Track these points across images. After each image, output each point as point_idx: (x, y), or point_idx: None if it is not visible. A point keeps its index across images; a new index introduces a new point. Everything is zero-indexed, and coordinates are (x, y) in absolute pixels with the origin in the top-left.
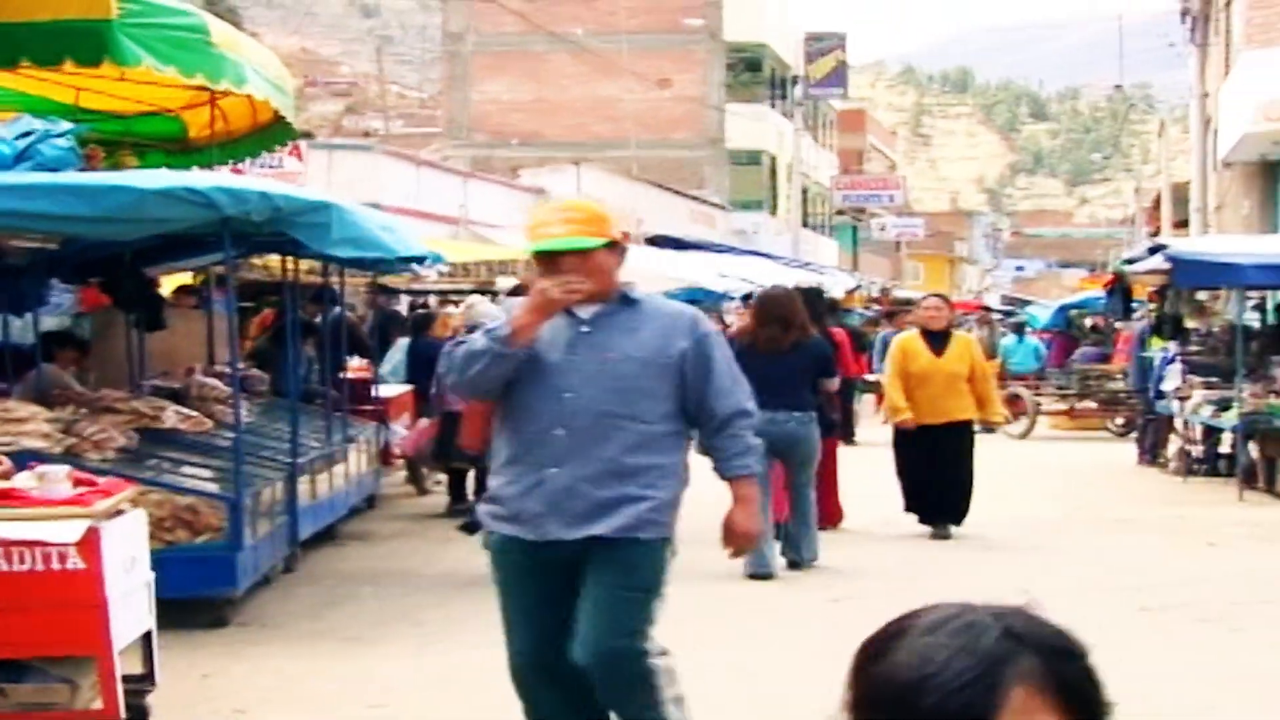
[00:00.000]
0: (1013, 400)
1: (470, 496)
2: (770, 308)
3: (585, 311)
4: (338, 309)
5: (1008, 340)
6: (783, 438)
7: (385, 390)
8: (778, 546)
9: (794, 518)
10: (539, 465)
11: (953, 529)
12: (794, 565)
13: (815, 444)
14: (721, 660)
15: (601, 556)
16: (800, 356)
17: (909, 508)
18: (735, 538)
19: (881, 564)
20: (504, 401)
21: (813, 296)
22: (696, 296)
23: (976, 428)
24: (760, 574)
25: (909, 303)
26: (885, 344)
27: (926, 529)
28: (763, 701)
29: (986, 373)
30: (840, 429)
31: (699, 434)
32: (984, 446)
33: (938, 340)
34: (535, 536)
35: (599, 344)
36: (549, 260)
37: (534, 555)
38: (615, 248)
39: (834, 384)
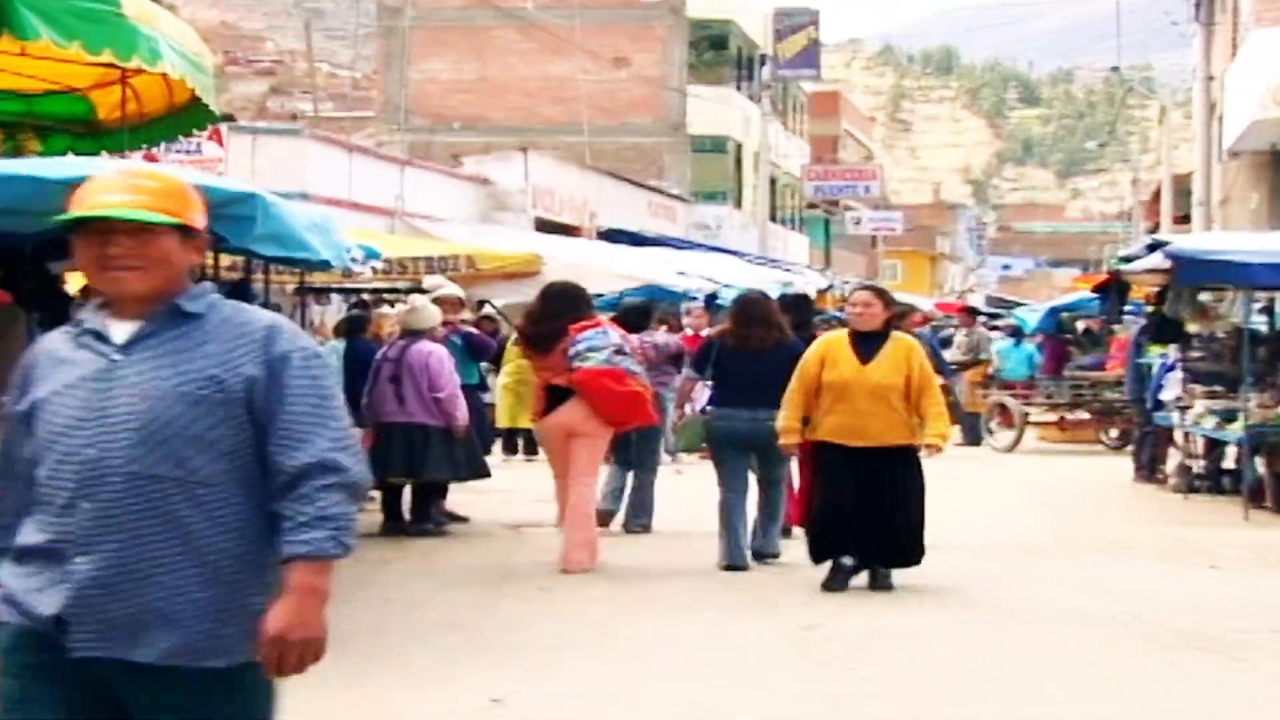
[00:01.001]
0: (999, 410)
1: (407, 515)
2: (752, 310)
3: (120, 331)
4: None
5: (1002, 344)
6: (762, 435)
7: None
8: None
9: (763, 510)
10: (61, 552)
11: (898, 573)
12: (756, 556)
13: None
14: (689, 698)
15: (161, 693)
16: (781, 356)
17: (818, 554)
18: (266, 642)
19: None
20: (14, 465)
21: (799, 303)
22: (654, 295)
23: (923, 454)
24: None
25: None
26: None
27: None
28: None
29: (929, 385)
30: None
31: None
32: (967, 461)
33: (868, 344)
34: (61, 645)
35: (133, 377)
36: (95, 237)
37: (57, 663)
38: (191, 238)
39: None
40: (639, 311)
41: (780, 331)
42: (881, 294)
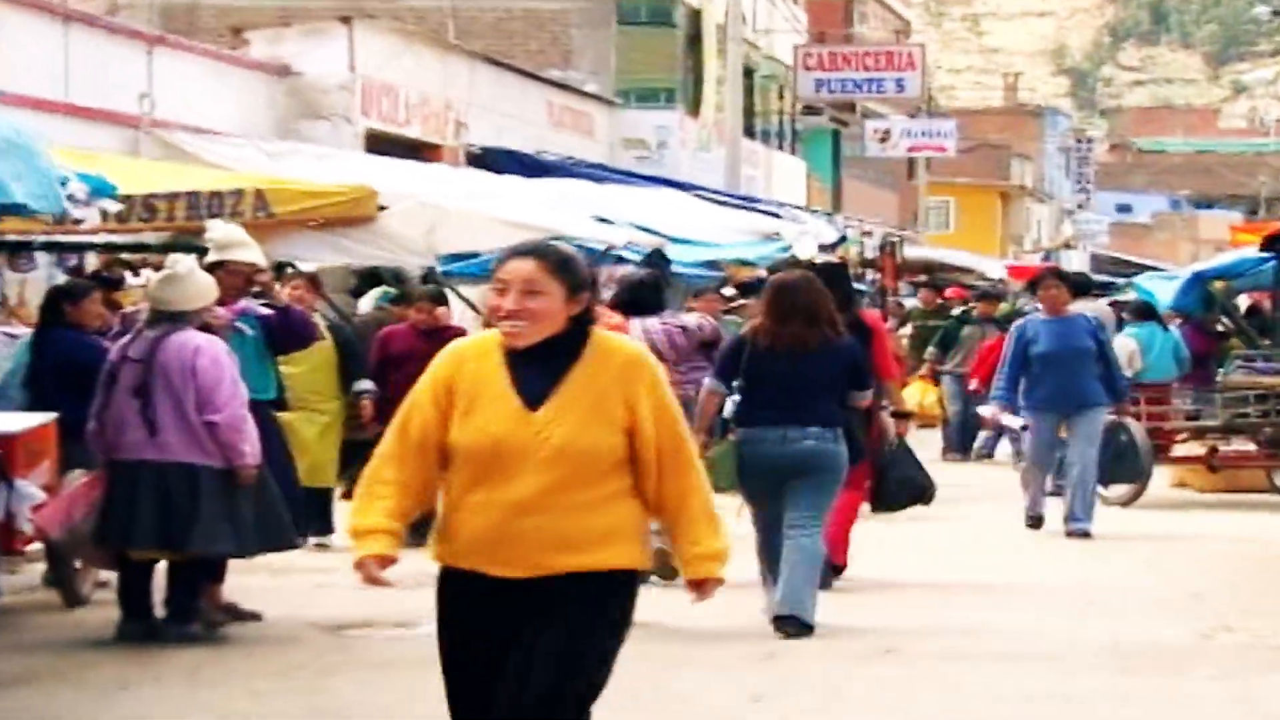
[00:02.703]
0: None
1: (160, 609)
2: (789, 298)
3: None
4: None
5: (1139, 332)
6: (797, 459)
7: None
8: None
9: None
10: None
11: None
12: (784, 626)
13: (839, 468)
14: None
15: None
16: (828, 361)
17: None
18: None
19: (891, 682)
20: None
21: (837, 274)
22: None
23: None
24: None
25: (928, 270)
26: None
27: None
28: None
29: (675, 441)
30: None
31: None
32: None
33: (538, 366)
34: None
35: None
36: None
37: None
38: None
39: (867, 398)
40: (645, 287)
41: (830, 328)
42: (561, 265)
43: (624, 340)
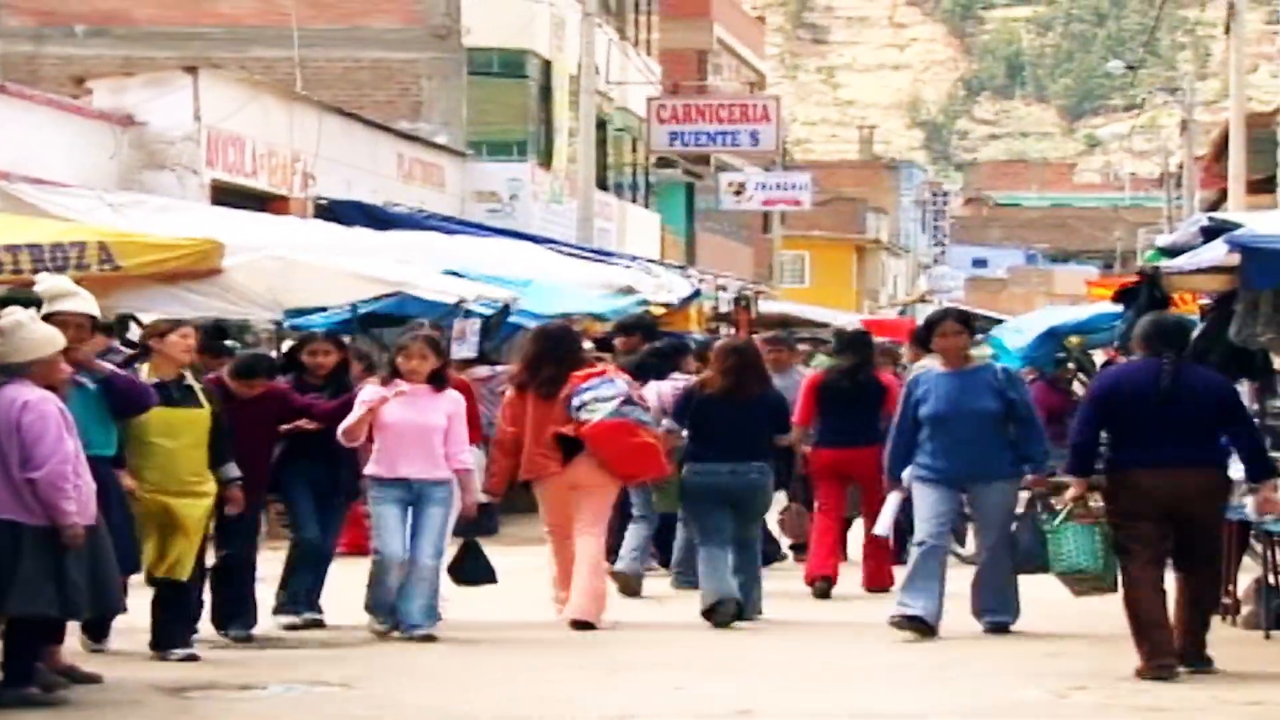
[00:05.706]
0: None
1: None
2: (746, 360)
3: None
4: None
5: None
6: (745, 489)
7: None
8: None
9: (742, 570)
10: None
11: None
12: (739, 617)
13: (770, 496)
14: None
15: None
16: (762, 407)
17: None
18: None
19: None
20: None
21: (861, 343)
22: (407, 309)
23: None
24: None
25: (786, 324)
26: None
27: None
28: None
29: None
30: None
31: None
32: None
33: None
34: None
35: None
36: None
37: None
38: None
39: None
40: (664, 354)
41: (766, 382)
42: None
43: None
